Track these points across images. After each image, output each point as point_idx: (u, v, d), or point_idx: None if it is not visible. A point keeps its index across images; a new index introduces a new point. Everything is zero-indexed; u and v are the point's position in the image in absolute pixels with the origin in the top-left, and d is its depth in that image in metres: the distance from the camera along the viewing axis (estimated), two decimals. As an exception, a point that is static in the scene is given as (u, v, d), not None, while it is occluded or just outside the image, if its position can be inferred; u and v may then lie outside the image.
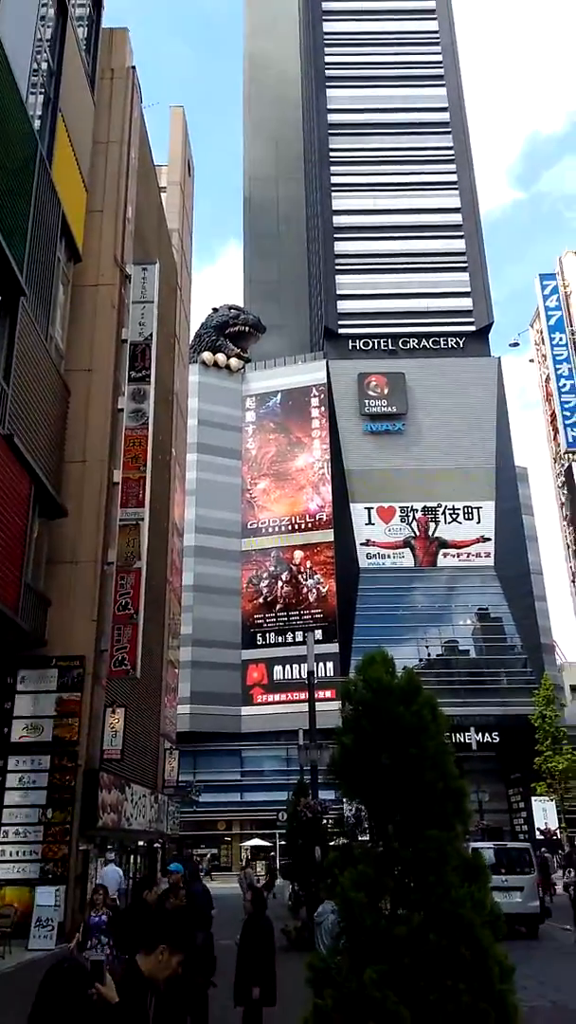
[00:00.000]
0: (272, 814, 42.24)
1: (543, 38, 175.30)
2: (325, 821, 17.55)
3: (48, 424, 17.78)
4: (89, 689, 17.39)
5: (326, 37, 71.93)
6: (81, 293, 20.40)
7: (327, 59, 71.12)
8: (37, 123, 17.09)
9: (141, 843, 25.53)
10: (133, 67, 24.02)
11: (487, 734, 45.82)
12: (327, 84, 70.33)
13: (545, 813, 41.86)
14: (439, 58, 71.25)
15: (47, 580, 17.69)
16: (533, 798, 43.61)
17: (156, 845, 28.56)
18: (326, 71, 70.78)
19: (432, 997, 2.90)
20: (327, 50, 71.44)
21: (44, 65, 17.77)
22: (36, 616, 16.92)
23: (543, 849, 30.53)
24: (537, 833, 41.25)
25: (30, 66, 16.40)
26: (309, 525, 56.13)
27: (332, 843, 17.50)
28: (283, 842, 32.36)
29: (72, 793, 16.38)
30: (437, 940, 2.98)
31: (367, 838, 3.54)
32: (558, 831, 42.04)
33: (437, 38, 71.95)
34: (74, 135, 19.56)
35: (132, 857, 24.12)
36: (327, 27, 72.38)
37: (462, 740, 40.03)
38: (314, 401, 59.59)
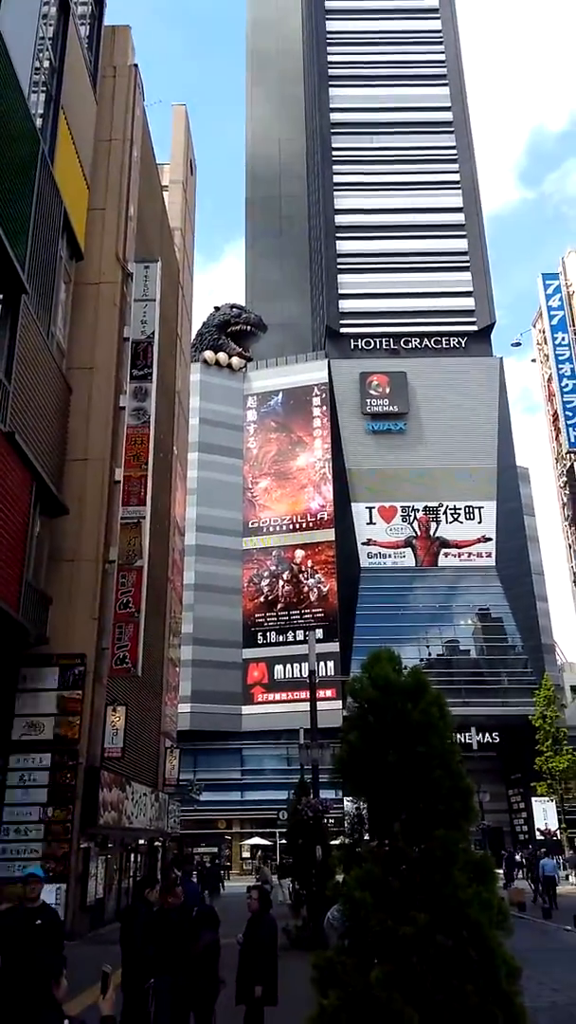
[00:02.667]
0: (272, 813, 42.26)
1: (547, 33, 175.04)
2: (326, 820, 17.48)
3: (50, 422, 17.75)
4: (90, 687, 17.37)
5: (329, 36, 71.84)
6: (83, 291, 20.36)
7: (330, 58, 71.03)
8: (39, 121, 17.06)
9: (142, 841, 25.52)
10: (135, 65, 23.98)
11: (488, 734, 45.82)
12: (330, 83, 70.25)
13: (545, 813, 41.85)
14: (442, 57, 71.16)
15: (48, 578, 17.66)
16: (533, 798, 43.60)
17: (157, 843, 28.56)
18: (329, 70, 70.68)
19: (439, 998, 2.88)
20: (330, 49, 71.35)
21: (46, 63, 17.73)
22: (37, 614, 16.90)
23: (543, 850, 30.47)
24: (537, 834, 41.24)
25: (32, 64, 16.36)
26: (310, 524, 56.11)
27: (334, 842, 17.47)
28: (283, 841, 32.35)
29: (73, 791, 16.36)
30: (444, 940, 2.95)
31: (369, 838, 3.51)
32: (558, 831, 42.03)
33: (440, 37, 71.86)
34: (76, 133, 19.52)
35: (133, 856, 24.10)
36: (330, 26, 72.28)
37: (463, 740, 40.03)
38: (316, 400, 59.55)
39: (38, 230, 16.37)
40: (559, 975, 12.29)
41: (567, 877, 33.54)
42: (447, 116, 69.18)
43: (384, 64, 70.16)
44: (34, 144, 16.35)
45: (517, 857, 35.32)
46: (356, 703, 3.45)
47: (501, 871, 32.77)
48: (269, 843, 45.27)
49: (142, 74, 24.46)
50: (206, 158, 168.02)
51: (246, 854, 48.38)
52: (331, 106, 69.40)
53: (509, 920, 3.12)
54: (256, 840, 46.69)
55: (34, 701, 16.99)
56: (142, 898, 7.92)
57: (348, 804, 3.78)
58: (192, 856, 34.14)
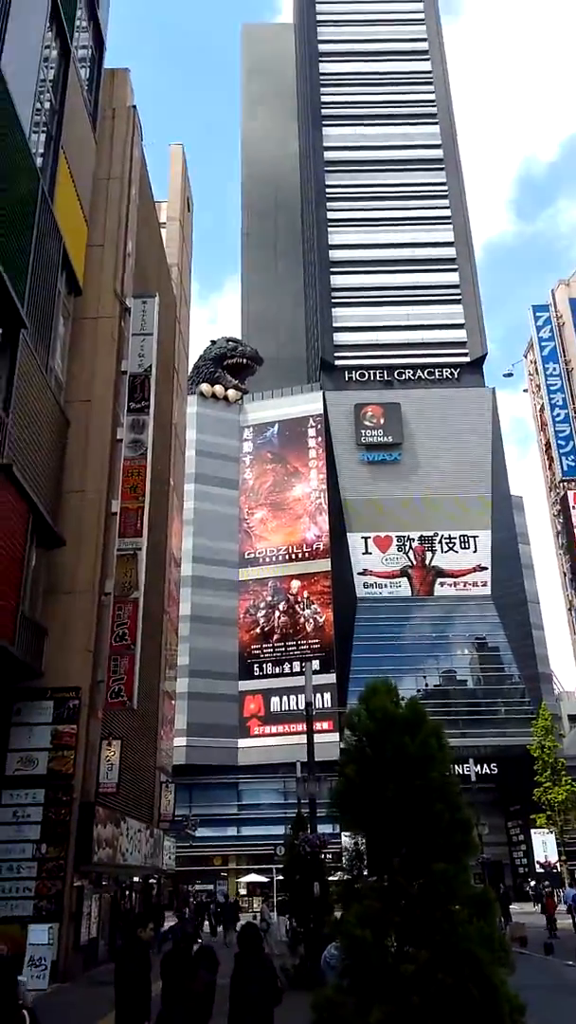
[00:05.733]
0: (270, 849, 41.53)
1: (534, 69, 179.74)
2: (324, 856, 17.22)
3: (47, 454, 17.83)
4: (85, 721, 17.20)
5: (322, 78, 73.64)
6: (81, 325, 20.59)
7: (323, 99, 72.76)
8: (40, 160, 17.41)
9: (136, 879, 25.07)
10: (134, 106, 24.54)
11: (486, 765, 45.32)
12: (323, 123, 71.87)
13: (545, 846, 41.29)
14: (432, 97, 72.92)
15: (44, 610, 17.58)
16: (533, 830, 43.01)
17: (152, 881, 28.05)
18: (322, 110, 72.37)
19: (441, 1036, 2.85)
20: (323, 90, 73.11)
21: (47, 105, 18.15)
22: (32, 647, 16.79)
23: (547, 883, 30.04)
24: (537, 867, 40.63)
25: (33, 105, 16.75)
26: (306, 555, 56.05)
27: (332, 878, 17.19)
28: (281, 877, 31.79)
29: (67, 828, 16.11)
30: (445, 978, 2.93)
31: (368, 873, 3.48)
32: (558, 864, 41.41)
33: (430, 78, 73.70)
34: (76, 172, 19.91)
35: (127, 893, 23.66)
36: (323, 68, 74.13)
37: (461, 772, 39.55)
38: (311, 432, 59.90)
39: (38, 266, 16.62)
40: (565, 1013, 12.04)
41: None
42: (438, 153, 70.69)
43: (376, 104, 71.88)
44: (35, 182, 16.68)
45: (528, 891, 34.75)
46: (354, 736, 3.46)
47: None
48: (266, 879, 44.45)
49: (140, 114, 25.02)
50: (207, 192, 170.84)
51: (243, 891, 47.47)
52: (325, 144, 70.89)
53: (511, 956, 3.10)
54: (253, 877, 45.86)
55: (28, 735, 16.80)
56: (136, 937, 7.78)
57: (346, 839, 3.75)
58: (187, 894, 33.50)
